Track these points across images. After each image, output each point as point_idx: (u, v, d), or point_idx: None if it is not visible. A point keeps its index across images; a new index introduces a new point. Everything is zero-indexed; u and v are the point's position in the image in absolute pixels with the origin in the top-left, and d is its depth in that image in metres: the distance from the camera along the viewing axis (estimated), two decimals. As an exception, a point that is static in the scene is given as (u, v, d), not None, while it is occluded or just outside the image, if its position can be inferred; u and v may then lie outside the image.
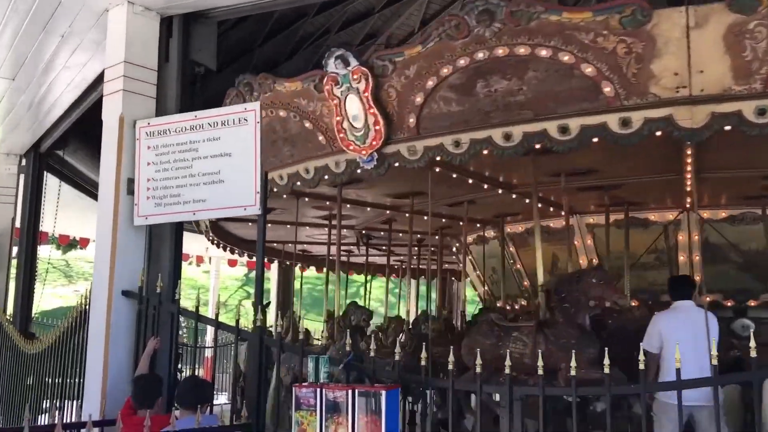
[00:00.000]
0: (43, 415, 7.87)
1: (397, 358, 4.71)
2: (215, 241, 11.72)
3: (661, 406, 5.26)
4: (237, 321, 5.39)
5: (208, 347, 15.61)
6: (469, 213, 9.38)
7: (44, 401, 7.93)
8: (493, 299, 11.09)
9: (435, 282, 13.30)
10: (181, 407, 4.64)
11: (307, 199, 8.72)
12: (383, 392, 4.13)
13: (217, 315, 5.53)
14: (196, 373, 6.26)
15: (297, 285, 16.84)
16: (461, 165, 6.14)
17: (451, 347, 4.73)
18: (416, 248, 12.73)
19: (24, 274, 10.41)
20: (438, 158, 5.48)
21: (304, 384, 4.44)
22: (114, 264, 5.80)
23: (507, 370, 4.34)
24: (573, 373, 4.15)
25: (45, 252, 11.88)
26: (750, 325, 7.08)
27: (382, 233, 11.39)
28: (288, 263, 14.33)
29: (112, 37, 6.27)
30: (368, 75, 5.39)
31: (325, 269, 11.71)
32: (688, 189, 7.62)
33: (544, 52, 4.79)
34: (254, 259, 14.41)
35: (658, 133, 4.68)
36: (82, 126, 9.14)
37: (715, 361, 3.91)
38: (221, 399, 12.10)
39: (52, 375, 7.68)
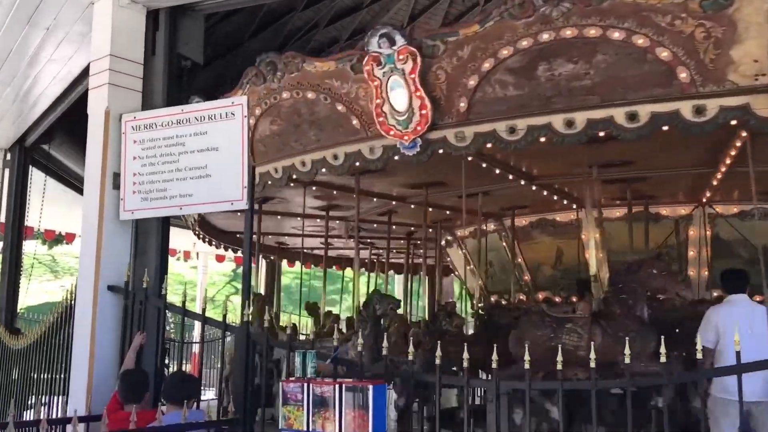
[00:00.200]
0: (28, 411, 7.82)
1: (410, 357, 4.70)
2: (201, 235, 11.61)
3: (717, 403, 5.15)
4: (224, 316, 5.38)
5: (195, 342, 15.55)
6: (477, 205, 9.06)
7: (30, 397, 7.88)
8: (487, 294, 11.01)
9: (413, 278, 13.26)
10: (167, 402, 4.62)
11: (314, 188, 8.28)
12: (370, 387, 4.13)
13: (203, 310, 5.53)
14: (183, 369, 6.23)
15: (286, 280, 16.80)
16: (492, 155, 5.91)
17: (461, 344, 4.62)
18: (406, 242, 12.66)
19: (9, 270, 10.33)
20: (488, 145, 5.19)
21: (291, 379, 4.45)
22: (100, 259, 5.77)
23: (559, 364, 4.27)
24: (627, 361, 4.09)
25: (31, 247, 11.76)
26: None
27: (375, 225, 11.06)
28: (271, 257, 14.16)
29: (98, 30, 6.23)
30: (416, 55, 5.07)
31: (323, 265, 11.61)
32: (715, 183, 7.52)
33: (616, 35, 4.55)
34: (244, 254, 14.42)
35: (733, 122, 4.51)
36: (68, 120, 9.06)
37: None
38: (209, 394, 12.06)
39: (37, 370, 7.64)
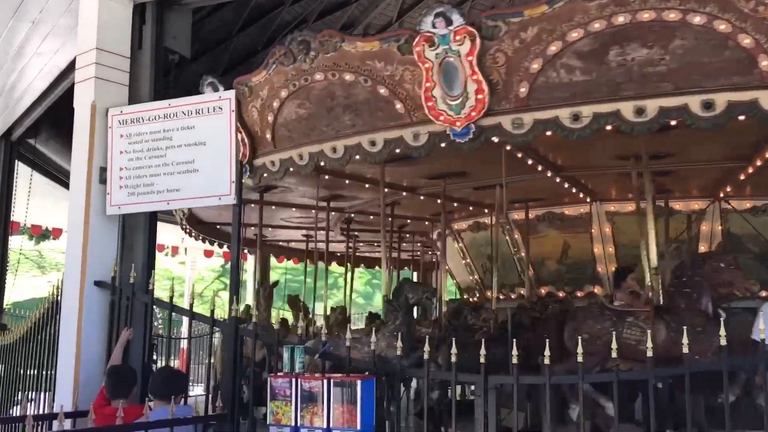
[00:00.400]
0: (15, 407, 7.77)
1: (426, 356, 4.60)
2: (187, 230, 11.52)
3: None
4: (212, 311, 5.35)
5: (182, 338, 15.49)
6: (491, 197, 8.88)
7: (17, 393, 7.83)
8: (482, 288, 10.90)
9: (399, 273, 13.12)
10: (155, 398, 4.61)
11: (327, 176, 7.92)
12: (358, 382, 4.13)
13: (191, 305, 5.49)
14: (171, 365, 6.21)
15: (275, 276, 16.74)
16: (529, 144, 5.74)
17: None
18: (396, 236, 12.57)
19: (-5, 265, 10.26)
20: (548, 133, 4.95)
21: (279, 374, 4.44)
22: (86, 254, 5.73)
23: (614, 353, 4.21)
24: (650, 354, 4.05)
25: (17, 242, 11.67)
26: (721, 314, 7.15)
27: (371, 217, 10.75)
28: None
29: (84, 24, 6.17)
30: (475, 36, 4.76)
31: (312, 260, 11.45)
32: (742, 178, 7.45)
33: (697, 19, 4.35)
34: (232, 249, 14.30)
35: None
36: (55, 114, 9.00)
37: None
38: (197, 390, 12.03)
39: (24, 366, 7.59)
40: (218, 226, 11.46)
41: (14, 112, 9.77)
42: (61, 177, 11.38)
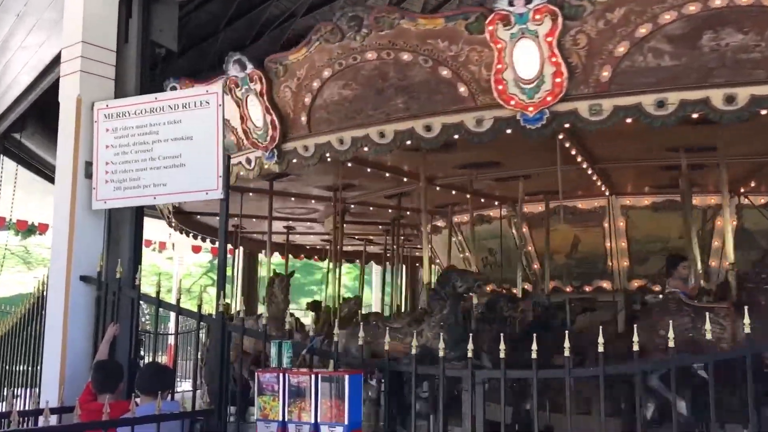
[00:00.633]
0: (1, 403, 7.72)
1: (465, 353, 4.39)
2: (174, 225, 11.41)
3: None
4: (199, 306, 5.32)
5: (170, 334, 15.44)
6: (512, 190, 8.76)
7: (3, 389, 7.78)
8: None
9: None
10: (142, 394, 4.58)
11: (350, 164, 7.40)
12: (346, 377, 4.13)
13: (178, 300, 5.46)
14: (159, 360, 6.18)
15: (263, 272, 16.66)
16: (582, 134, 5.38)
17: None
18: (388, 231, 12.39)
19: (-20, 261, 10.19)
20: (629, 120, 4.70)
21: (266, 369, 4.42)
22: (72, 249, 5.69)
23: (671, 343, 4.04)
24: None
25: (2, 238, 11.59)
26: None
27: (371, 208, 10.53)
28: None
29: (69, 17, 6.11)
30: (557, 16, 4.48)
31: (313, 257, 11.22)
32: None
33: None
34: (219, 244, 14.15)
35: None
36: (40, 108, 8.94)
37: None
38: (185, 386, 11.99)
39: (9, 362, 7.54)
40: (198, 216, 11.06)
41: (-1, 107, 9.70)
42: (46, 171, 11.31)
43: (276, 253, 14.67)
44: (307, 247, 14.90)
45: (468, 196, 9.31)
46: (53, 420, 4.54)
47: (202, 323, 6.00)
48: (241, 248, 14.03)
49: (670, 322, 5.23)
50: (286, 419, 4.22)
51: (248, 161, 6.90)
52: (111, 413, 3.91)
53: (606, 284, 9.25)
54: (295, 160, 6.08)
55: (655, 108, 4.57)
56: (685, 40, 4.48)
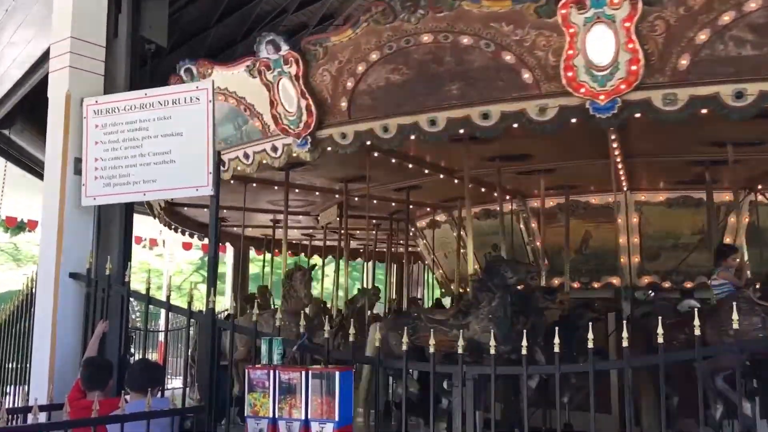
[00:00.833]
0: (-11, 401, 7.68)
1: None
2: (165, 221, 11.32)
3: None
4: (189, 303, 5.31)
5: (160, 331, 15.40)
6: (532, 184, 8.62)
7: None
8: None
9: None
10: (131, 391, 4.56)
11: (376, 154, 7.07)
12: (337, 373, 4.12)
13: (168, 297, 5.44)
14: (149, 357, 6.16)
15: (255, 269, 16.62)
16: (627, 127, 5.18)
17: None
18: (379, 226, 12.29)
19: (-31, 258, 10.12)
20: (704, 111, 4.52)
21: (257, 366, 4.42)
22: (61, 246, 5.66)
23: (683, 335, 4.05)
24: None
25: (-9, 235, 11.54)
26: (695, 305, 7.20)
27: (375, 201, 9.92)
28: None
29: (58, 12, 6.07)
30: (636, 0, 4.31)
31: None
32: None
33: None
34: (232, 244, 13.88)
35: None
36: (29, 104, 8.88)
37: None
38: (175, 383, 11.97)
39: (-2, 360, 7.50)
40: (185, 208, 10.64)
41: (-13, 103, 9.63)
42: (36, 168, 11.25)
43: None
44: (294, 242, 14.71)
45: (483, 189, 9.04)
46: (42, 417, 4.51)
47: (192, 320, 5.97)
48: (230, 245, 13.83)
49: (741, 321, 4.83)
50: (276, 416, 4.21)
51: (274, 149, 6.51)
52: (100, 410, 3.89)
53: (615, 280, 9.13)
54: (329, 148, 5.76)
55: (733, 99, 4.43)
56: None
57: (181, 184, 5.46)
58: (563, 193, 9.04)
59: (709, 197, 7.86)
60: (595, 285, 9.25)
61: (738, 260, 6.54)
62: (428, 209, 11.05)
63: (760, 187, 8.49)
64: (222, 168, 6.69)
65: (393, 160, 7.42)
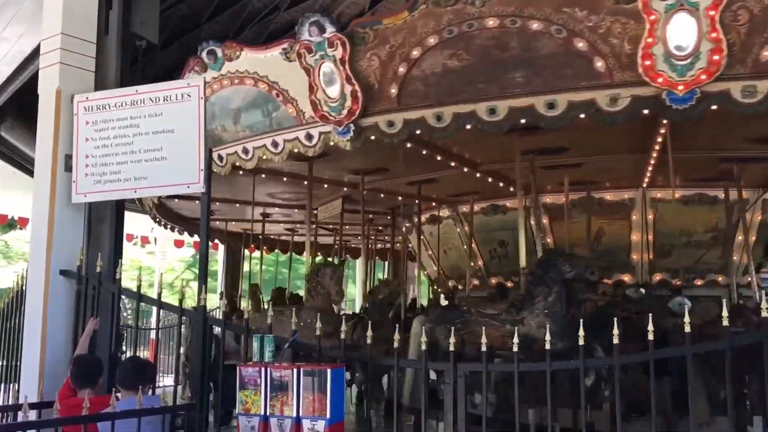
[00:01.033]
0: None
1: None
2: (157, 219, 11.27)
3: None
4: (180, 300, 5.30)
5: (151, 328, 15.35)
6: (555, 179, 8.42)
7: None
8: (487, 275, 10.48)
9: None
10: (122, 389, 4.55)
11: (425, 153, 6.79)
12: (329, 370, 4.13)
13: (159, 294, 5.42)
14: (140, 355, 6.14)
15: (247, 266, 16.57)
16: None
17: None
18: (371, 225, 12.35)
19: (-41, 255, 10.07)
20: None
21: (249, 363, 4.41)
22: (51, 243, 5.64)
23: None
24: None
25: (-18, 232, 11.48)
26: (686, 303, 7.24)
27: (382, 195, 9.96)
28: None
29: (49, 8, 6.05)
30: None
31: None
32: None
33: None
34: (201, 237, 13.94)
35: None
36: (19, 101, 8.85)
37: None
38: (167, 381, 11.94)
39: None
40: (176, 200, 10.33)
41: (-23, 100, 9.58)
42: (26, 165, 11.21)
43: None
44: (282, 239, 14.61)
45: (501, 184, 8.86)
46: (32, 415, 4.49)
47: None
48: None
49: None
50: (267, 413, 4.21)
51: (309, 137, 6.02)
52: (91, 408, 3.88)
53: (626, 277, 9.12)
54: (373, 137, 5.48)
55: None
56: None
57: (173, 181, 5.44)
58: (584, 188, 8.87)
59: (729, 194, 7.84)
60: (606, 281, 9.23)
61: None
62: (433, 204, 10.84)
63: None
64: (245, 156, 6.48)
65: (424, 152, 7.10)
